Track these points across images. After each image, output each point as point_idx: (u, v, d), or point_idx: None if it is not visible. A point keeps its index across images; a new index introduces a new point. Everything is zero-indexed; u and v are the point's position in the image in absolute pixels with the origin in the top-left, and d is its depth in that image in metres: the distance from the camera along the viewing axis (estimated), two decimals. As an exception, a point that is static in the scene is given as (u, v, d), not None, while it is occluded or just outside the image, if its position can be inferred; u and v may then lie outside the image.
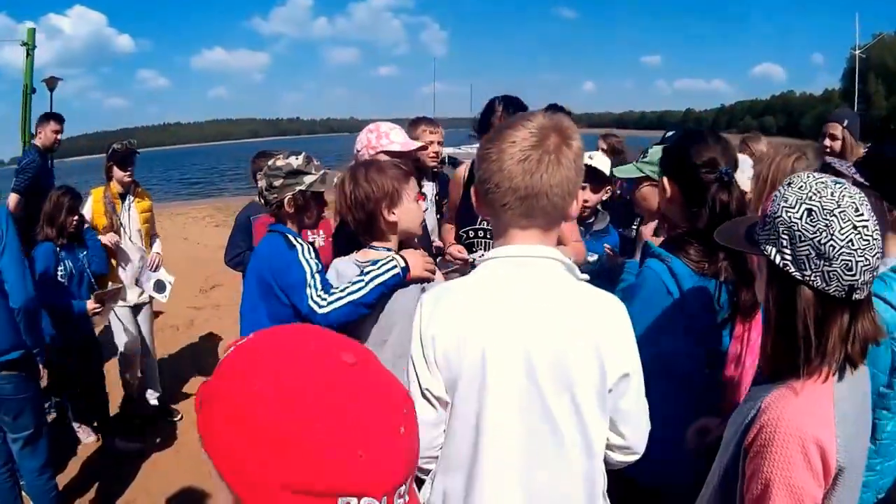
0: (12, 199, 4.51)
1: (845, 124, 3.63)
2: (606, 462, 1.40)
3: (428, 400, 1.36)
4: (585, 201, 3.01)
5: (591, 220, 3.14)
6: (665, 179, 1.87)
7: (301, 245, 2.22)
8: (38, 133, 4.92)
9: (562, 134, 1.28)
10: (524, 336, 1.29)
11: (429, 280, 2.13)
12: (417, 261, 2.10)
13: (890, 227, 1.67)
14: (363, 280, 2.02)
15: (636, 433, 1.40)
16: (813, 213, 1.10)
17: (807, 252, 1.11)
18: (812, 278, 1.12)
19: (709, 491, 1.33)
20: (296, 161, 2.29)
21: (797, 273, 1.13)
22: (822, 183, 1.13)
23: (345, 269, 2.14)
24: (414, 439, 0.63)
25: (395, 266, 2.04)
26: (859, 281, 1.10)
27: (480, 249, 2.71)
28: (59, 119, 5.01)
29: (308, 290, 2.07)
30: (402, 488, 0.60)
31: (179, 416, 4.49)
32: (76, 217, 3.81)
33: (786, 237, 1.14)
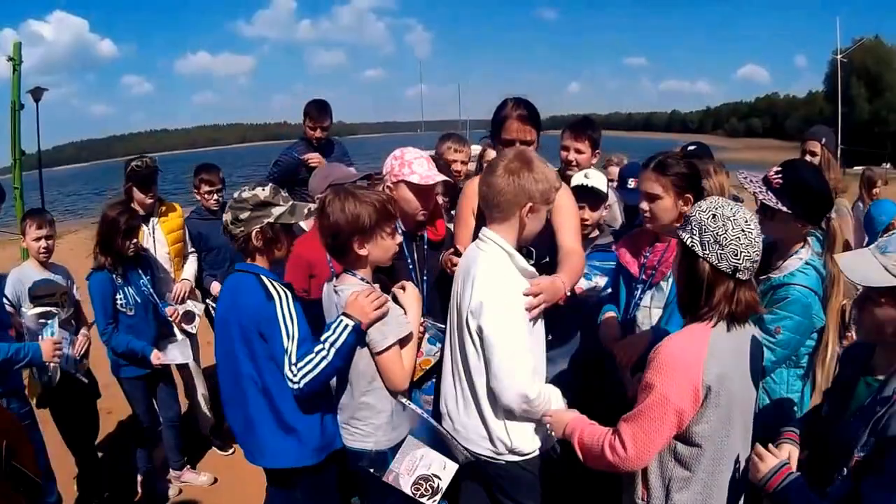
0: None
1: (823, 142, 3.95)
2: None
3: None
4: (585, 220, 3.06)
5: (593, 236, 3.19)
6: (690, 195, 2.40)
7: (279, 295, 2.18)
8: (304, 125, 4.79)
9: (523, 162, 2.03)
10: (457, 284, 2.17)
11: (382, 317, 2.14)
12: (365, 310, 2.10)
13: (801, 235, 2.32)
14: (324, 348, 2.10)
15: (496, 366, 1.98)
16: (716, 216, 1.68)
17: (708, 239, 1.67)
18: (708, 256, 1.67)
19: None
20: (263, 192, 2.22)
21: (700, 252, 1.68)
22: (727, 202, 1.73)
23: (328, 295, 2.27)
24: None
25: (347, 327, 2.09)
26: (742, 265, 1.66)
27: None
28: (309, 115, 4.74)
29: (285, 365, 2.11)
30: None
31: (232, 451, 4.27)
32: (135, 240, 3.44)
33: (696, 228, 1.70)
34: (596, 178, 3.14)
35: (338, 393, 2.32)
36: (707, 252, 1.67)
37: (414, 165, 2.56)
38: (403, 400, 2.24)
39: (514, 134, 2.54)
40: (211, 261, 4.18)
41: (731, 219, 1.66)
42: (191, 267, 4.16)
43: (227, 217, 2.24)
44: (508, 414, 2.05)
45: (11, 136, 5.10)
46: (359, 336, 2.12)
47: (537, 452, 2.14)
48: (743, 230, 1.65)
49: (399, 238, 2.28)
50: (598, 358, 2.76)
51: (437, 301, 2.61)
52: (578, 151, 3.27)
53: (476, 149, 4.25)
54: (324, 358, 2.09)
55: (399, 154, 2.61)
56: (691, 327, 1.73)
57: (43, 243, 3.36)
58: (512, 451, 2.09)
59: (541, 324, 2.14)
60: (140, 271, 3.57)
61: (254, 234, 2.20)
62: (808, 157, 3.93)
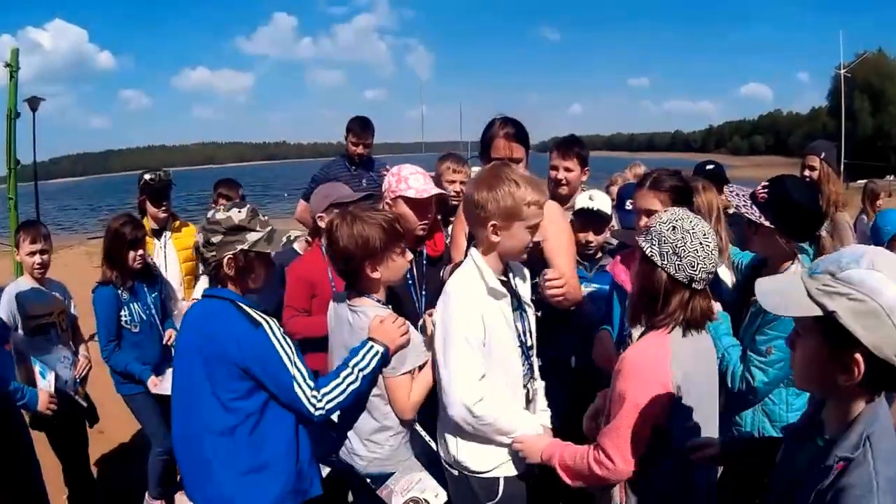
0: (299, 205, 4.58)
1: (822, 156, 3.90)
2: None
3: None
4: (589, 241, 3.07)
5: (598, 257, 3.17)
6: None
7: (266, 321, 2.02)
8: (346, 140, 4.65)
9: (489, 178, 1.98)
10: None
11: (406, 344, 2.12)
12: (391, 335, 2.08)
13: (789, 252, 2.27)
14: (352, 373, 2.04)
15: (442, 379, 2.00)
16: (676, 228, 1.73)
17: (667, 250, 1.71)
18: (666, 266, 1.71)
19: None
20: (238, 215, 2.04)
21: (658, 261, 1.72)
22: (688, 215, 1.77)
23: (342, 312, 2.20)
24: None
25: (377, 353, 2.05)
26: (698, 276, 1.71)
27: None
28: (352, 130, 4.58)
29: (298, 391, 1.99)
30: None
31: None
32: (140, 252, 3.30)
33: (656, 239, 1.74)
34: (600, 201, 3.12)
35: (341, 421, 2.24)
36: (665, 262, 1.72)
37: (410, 180, 2.60)
38: (415, 424, 2.23)
39: (501, 152, 2.55)
40: None
41: (690, 231, 1.71)
42: (202, 287, 3.90)
43: (198, 238, 2.08)
44: (458, 428, 2.03)
45: (7, 145, 5.06)
46: (386, 362, 2.08)
47: (489, 474, 2.07)
48: (701, 243, 1.71)
49: (409, 255, 2.22)
50: (592, 378, 2.71)
51: None
52: (567, 170, 3.28)
53: (478, 171, 4.25)
54: (351, 384, 2.03)
55: (396, 171, 2.66)
56: (649, 335, 1.78)
57: (38, 258, 3.28)
58: (458, 465, 2.09)
59: (512, 341, 2.10)
60: (147, 287, 3.45)
61: (225, 260, 2.02)
62: (807, 172, 3.91)
